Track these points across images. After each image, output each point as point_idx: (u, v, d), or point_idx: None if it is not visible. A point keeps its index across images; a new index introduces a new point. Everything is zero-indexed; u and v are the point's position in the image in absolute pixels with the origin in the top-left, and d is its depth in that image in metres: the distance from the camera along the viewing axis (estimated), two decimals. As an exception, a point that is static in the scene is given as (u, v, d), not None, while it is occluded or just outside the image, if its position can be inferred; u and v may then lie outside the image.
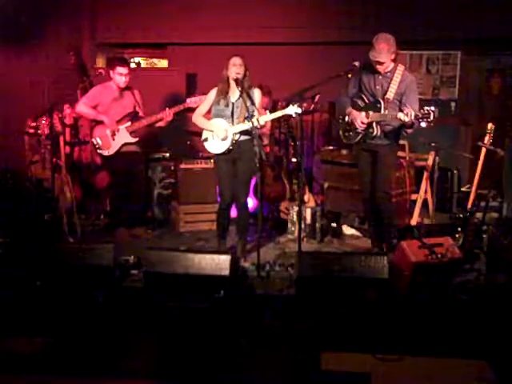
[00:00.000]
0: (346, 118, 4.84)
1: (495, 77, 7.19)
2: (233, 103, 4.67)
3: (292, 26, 6.98)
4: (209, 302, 3.86)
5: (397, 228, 5.02)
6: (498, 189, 6.13)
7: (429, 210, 5.58)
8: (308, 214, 5.50)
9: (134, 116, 5.43)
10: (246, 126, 4.54)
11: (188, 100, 5.18)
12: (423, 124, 4.19)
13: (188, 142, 6.48)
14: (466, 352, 3.36)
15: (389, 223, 4.83)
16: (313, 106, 6.16)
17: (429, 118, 4.14)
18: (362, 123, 4.65)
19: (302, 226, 5.15)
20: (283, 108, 4.57)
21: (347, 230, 5.70)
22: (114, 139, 5.38)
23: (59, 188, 5.36)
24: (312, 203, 5.75)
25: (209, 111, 4.78)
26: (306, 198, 5.71)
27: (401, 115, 4.31)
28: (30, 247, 4.65)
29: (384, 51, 4.45)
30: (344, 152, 5.79)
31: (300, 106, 4.39)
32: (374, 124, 4.63)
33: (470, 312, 3.82)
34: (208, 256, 4.00)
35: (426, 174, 5.48)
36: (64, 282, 4.11)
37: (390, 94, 4.57)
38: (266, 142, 5.87)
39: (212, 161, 5.26)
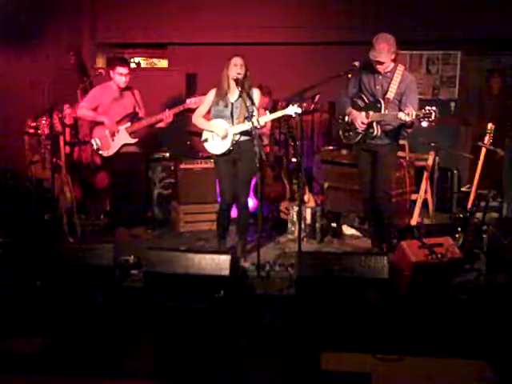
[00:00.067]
0: (346, 118, 4.84)
1: (495, 77, 7.19)
2: (232, 103, 4.66)
3: (292, 26, 6.98)
4: (209, 302, 3.86)
5: (397, 228, 5.02)
6: (498, 189, 6.13)
7: (429, 209, 5.58)
8: (308, 214, 5.50)
9: (133, 117, 5.43)
10: (246, 126, 4.53)
11: (188, 101, 5.17)
12: (424, 123, 4.18)
13: (188, 142, 6.47)
14: (466, 352, 3.36)
15: (389, 223, 4.83)
16: (313, 105, 6.16)
17: (430, 117, 4.14)
18: (362, 123, 4.65)
19: (302, 226, 5.15)
20: (283, 108, 4.57)
21: (347, 230, 5.70)
22: (113, 140, 5.38)
23: (59, 188, 5.36)
24: (312, 203, 5.75)
25: (208, 112, 4.78)
26: (305, 198, 5.71)
27: (402, 115, 4.30)
28: (30, 247, 4.65)
29: (384, 51, 4.45)
30: (344, 152, 5.79)
31: (300, 106, 4.39)
32: (374, 124, 4.63)
33: (470, 312, 3.82)
34: (208, 256, 4.00)
35: (425, 174, 5.48)
36: (64, 282, 4.11)
37: (390, 94, 4.57)
38: (265, 142, 5.87)
39: (212, 161, 5.26)
